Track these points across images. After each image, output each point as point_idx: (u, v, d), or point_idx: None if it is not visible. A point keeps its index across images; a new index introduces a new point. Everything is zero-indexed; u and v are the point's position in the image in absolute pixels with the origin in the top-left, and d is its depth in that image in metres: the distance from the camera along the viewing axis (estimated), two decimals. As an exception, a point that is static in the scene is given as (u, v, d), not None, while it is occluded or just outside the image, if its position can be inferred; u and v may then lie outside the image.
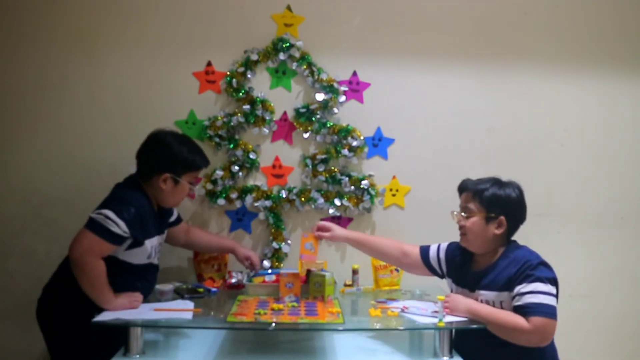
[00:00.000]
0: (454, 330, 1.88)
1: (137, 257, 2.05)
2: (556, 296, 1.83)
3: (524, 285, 1.81)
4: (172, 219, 2.30)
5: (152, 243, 2.08)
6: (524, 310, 1.78)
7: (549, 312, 1.77)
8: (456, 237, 2.58)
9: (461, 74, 2.64)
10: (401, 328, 1.93)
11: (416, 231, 2.61)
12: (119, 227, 1.92)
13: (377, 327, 1.99)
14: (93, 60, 2.51)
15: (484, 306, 1.87)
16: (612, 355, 2.68)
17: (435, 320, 1.83)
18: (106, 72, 2.52)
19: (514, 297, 1.82)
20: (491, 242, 1.95)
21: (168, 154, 2.06)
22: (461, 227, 2.00)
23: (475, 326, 1.85)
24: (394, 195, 2.63)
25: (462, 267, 2.05)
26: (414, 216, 2.63)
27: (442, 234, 2.62)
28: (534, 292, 1.79)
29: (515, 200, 1.95)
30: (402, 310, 1.98)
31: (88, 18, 2.51)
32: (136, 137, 2.48)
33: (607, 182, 2.73)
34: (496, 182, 1.98)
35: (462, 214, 1.99)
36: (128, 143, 2.52)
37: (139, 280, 2.07)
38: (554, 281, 1.84)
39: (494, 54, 2.65)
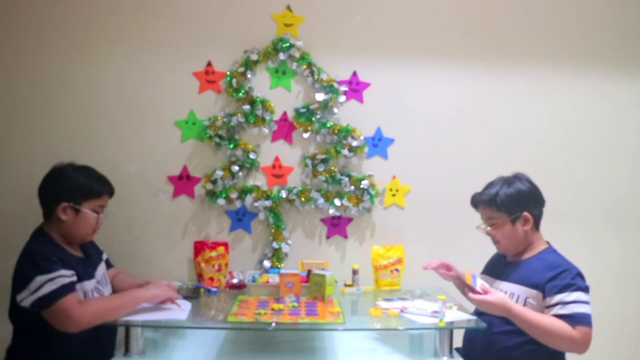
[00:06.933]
0: (453, 331, 1.88)
1: None
2: None
3: (566, 293, 1.79)
4: (104, 257, 2.15)
5: (83, 288, 1.89)
6: (570, 319, 1.77)
7: (591, 322, 1.79)
8: (456, 238, 2.61)
9: (461, 74, 2.64)
10: (401, 328, 1.93)
11: (416, 231, 2.61)
12: (64, 275, 1.78)
13: (377, 327, 1.99)
14: (93, 61, 2.51)
15: (523, 308, 1.81)
16: (613, 355, 2.67)
17: (436, 320, 1.83)
18: (106, 72, 2.52)
19: (555, 304, 1.79)
20: (524, 239, 1.97)
21: (62, 182, 1.92)
22: (493, 238, 2.02)
23: (475, 326, 1.85)
24: (394, 195, 2.62)
25: (497, 259, 2.08)
26: (414, 216, 2.63)
27: (443, 233, 2.63)
28: (577, 301, 1.78)
29: (527, 192, 1.96)
30: (402, 311, 1.98)
31: (89, 18, 2.51)
32: (136, 137, 2.47)
33: (607, 182, 2.72)
34: (501, 182, 1.98)
35: (489, 227, 2.00)
36: (128, 143, 2.53)
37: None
38: (589, 291, 1.85)
39: (494, 54, 2.65)
